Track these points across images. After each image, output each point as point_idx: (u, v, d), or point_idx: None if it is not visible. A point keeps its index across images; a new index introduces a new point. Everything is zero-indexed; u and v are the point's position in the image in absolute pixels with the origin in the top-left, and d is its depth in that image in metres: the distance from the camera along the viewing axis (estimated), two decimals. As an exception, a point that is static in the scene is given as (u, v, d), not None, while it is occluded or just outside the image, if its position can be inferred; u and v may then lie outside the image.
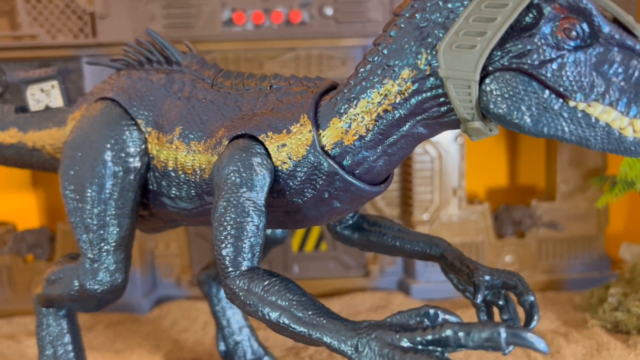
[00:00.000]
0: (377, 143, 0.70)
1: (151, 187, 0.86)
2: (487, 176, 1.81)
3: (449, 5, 0.62)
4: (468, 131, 0.65)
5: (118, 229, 0.85)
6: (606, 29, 0.57)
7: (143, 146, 0.85)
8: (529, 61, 0.58)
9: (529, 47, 0.58)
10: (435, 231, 1.61)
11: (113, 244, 0.85)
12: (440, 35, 0.62)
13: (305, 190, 0.74)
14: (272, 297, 0.63)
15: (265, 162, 0.72)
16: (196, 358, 1.27)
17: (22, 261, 1.56)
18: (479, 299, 0.80)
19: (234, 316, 1.11)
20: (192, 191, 0.82)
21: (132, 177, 0.85)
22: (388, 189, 1.63)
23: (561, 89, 0.58)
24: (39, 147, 1.02)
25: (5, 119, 1.05)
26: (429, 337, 0.55)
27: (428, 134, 0.70)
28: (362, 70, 0.69)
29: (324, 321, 0.60)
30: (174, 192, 0.84)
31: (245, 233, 0.68)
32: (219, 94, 0.82)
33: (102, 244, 0.85)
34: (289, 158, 0.73)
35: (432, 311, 0.58)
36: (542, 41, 0.58)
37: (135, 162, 0.85)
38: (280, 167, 0.73)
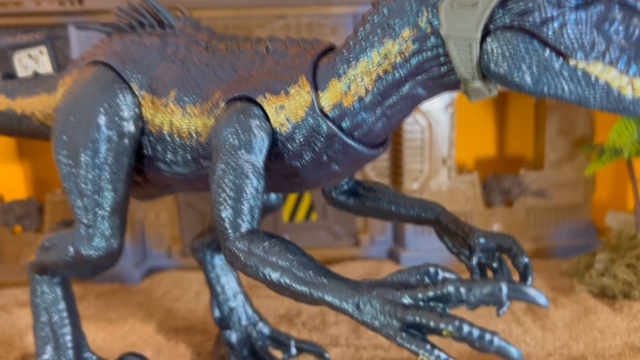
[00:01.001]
0: (376, 105, 0.70)
1: (146, 152, 0.86)
2: (476, 146, 1.82)
3: (451, -36, 0.61)
4: (468, 91, 0.65)
5: (113, 194, 0.84)
6: (608, -14, 0.57)
7: (137, 110, 0.84)
8: (530, 20, 0.58)
9: (530, 6, 0.58)
10: (425, 200, 1.62)
11: (108, 210, 0.84)
12: (442, -7, 0.62)
13: (304, 153, 0.74)
14: (273, 257, 0.64)
15: (263, 125, 0.72)
16: (189, 326, 1.28)
17: (10, 232, 1.55)
18: (474, 260, 0.81)
19: (229, 283, 1.11)
20: (188, 155, 0.82)
21: (126, 142, 0.84)
22: (378, 159, 1.64)
23: (562, 48, 0.58)
24: (28, 114, 1.00)
25: (-8, 86, 1.03)
26: (431, 294, 0.55)
27: (427, 95, 0.70)
28: (361, 30, 0.69)
29: (325, 280, 0.61)
30: (169, 156, 0.83)
31: (244, 195, 0.68)
32: (214, 57, 0.81)
33: (97, 210, 0.84)
34: (288, 120, 0.72)
35: (432, 269, 0.59)
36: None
37: (130, 126, 0.84)
38: (278, 130, 0.73)
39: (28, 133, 1.04)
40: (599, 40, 0.58)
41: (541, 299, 0.53)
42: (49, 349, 0.93)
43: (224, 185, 0.69)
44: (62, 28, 1.41)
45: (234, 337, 1.09)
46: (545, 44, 0.59)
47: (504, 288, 0.53)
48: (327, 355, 1.09)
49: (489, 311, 1.22)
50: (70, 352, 0.93)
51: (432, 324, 0.54)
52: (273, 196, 1.08)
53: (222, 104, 0.75)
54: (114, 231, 0.85)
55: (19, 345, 1.21)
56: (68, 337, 0.94)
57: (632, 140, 1.35)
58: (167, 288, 1.51)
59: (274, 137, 0.73)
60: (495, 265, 0.84)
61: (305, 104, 0.71)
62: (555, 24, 0.58)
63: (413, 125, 1.58)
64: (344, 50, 0.70)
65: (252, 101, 0.73)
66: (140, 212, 1.60)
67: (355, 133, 0.72)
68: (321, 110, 0.71)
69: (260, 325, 1.12)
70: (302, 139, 0.73)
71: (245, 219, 0.68)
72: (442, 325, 0.53)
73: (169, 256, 1.63)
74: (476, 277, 0.85)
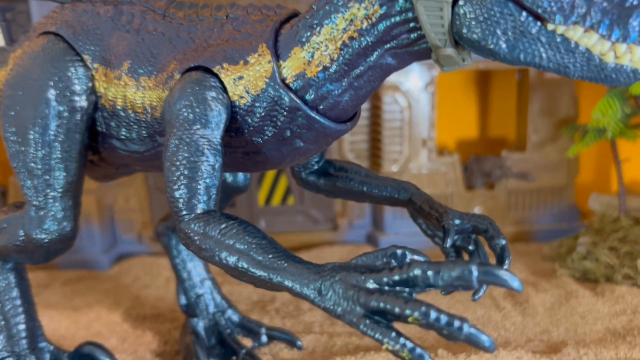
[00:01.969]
0: (342, 75, 0.65)
1: (100, 128, 0.80)
2: (457, 127, 1.78)
3: None
4: (440, 59, 0.60)
5: (65, 174, 0.78)
6: (589, -58, 0.53)
7: (90, 84, 0.78)
8: (505, -21, 0.53)
9: (505, -36, 0.53)
10: (405, 183, 1.58)
11: (60, 190, 0.79)
12: (410, -48, 0.57)
13: (265, 127, 0.69)
14: (230, 240, 0.59)
15: (220, 97, 0.66)
16: (157, 314, 1.23)
17: (-28, 217, 1.49)
18: (449, 243, 0.77)
19: (195, 268, 1.06)
20: (144, 132, 0.76)
21: (78, 118, 0.78)
22: (356, 140, 1.60)
23: (539, 10, 0.53)
24: (-21, 90, 0.94)
25: (-60, 60, 0.97)
26: (396, 277, 0.51)
27: (397, 65, 0.65)
28: (325, -7, 0.64)
29: (285, 264, 0.56)
30: (124, 133, 0.78)
31: (199, 173, 0.63)
32: (171, 25, 0.75)
33: (48, 190, 0.78)
34: (247, 92, 0.67)
35: (399, 251, 0.54)
36: (520, -43, 0.53)
37: (82, 101, 0.78)
38: (237, 102, 0.68)
39: (-19, 111, 0.98)
40: (579, 2, 0.53)
41: (514, 283, 0.49)
42: (1, 338, 0.88)
43: (177, 163, 0.64)
44: (23, 2, 1.34)
45: (200, 325, 1.04)
46: (521, 6, 0.54)
47: (475, 271, 0.49)
48: (299, 343, 1.04)
49: (467, 295, 1.18)
50: (23, 342, 0.88)
51: (397, 309, 0.49)
52: (240, 176, 1.02)
53: (177, 75, 0.70)
54: (67, 213, 0.79)
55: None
56: (22, 327, 0.89)
57: (615, 119, 1.31)
58: (136, 274, 1.45)
59: (233, 111, 0.68)
60: (471, 247, 0.80)
61: (265, 74, 0.66)
62: (533, -16, 0.53)
63: (392, 106, 1.53)
64: (307, 16, 0.65)
65: (209, 71, 0.68)
66: (110, 196, 1.54)
67: (321, 106, 0.67)
68: (283, 81, 0.66)
69: (230, 312, 1.07)
70: (262, 112, 0.68)
71: (201, 199, 0.63)
72: (407, 312, 0.49)
73: (140, 241, 1.57)
74: (451, 260, 0.81)
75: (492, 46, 0.56)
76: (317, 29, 0.64)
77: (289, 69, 0.66)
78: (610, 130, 1.33)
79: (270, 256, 0.57)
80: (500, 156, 1.62)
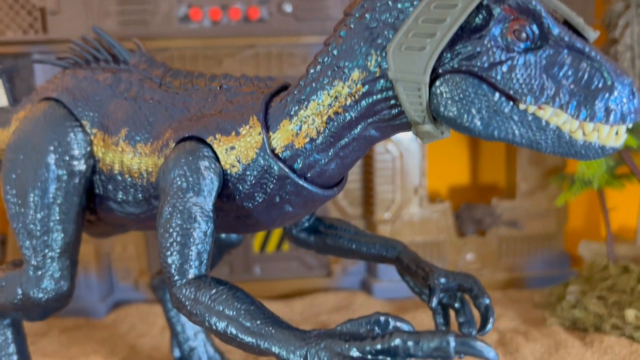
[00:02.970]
0: (328, 146, 0.68)
1: (97, 191, 0.83)
2: (449, 175, 1.81)
3: (399, 6, 0.61)
4: (419, 134, 0.63)
5: (63, 235, 0.81)
6: (556, 30, 0.57)
7: (88, 148, 0.82)
8: (478, 63, 0.57)
9: (478, 49, 0.57)
10: (397, 230, 1.61)
11: (58, 251, 0.81)
12: (390, 36, 0.61)
13: (256, 194, 0.72)
14: (220, 306, 0.61)
15: (213, 166, 0.70)
16: (152, 364, 1.24)
17: (-29, 265, 1.51)
18: (434, 302, 0.79)
19: (189, 322, 1.08)
20: (139, 195, 0.79)
21: (77, 181, 0.81)
22: (350, 188, 1.63)
23: (511, 92, 0.57)
24: (-18, 148, 0.97)
25: (-54, 119, 1.01)
26: (378, 347, 0.54)
27: (380, 137, 0.68)
28: (312, 71, 0.68)
29: (273, 331, 0.59)
30: (120, 196, 0.81)
31: (191, 240, 0.66)
32: (167, 94, 0.79)
33: (47, 251, 0.81)
34: (238, 161, 0.70)
35: (382, 318, 0.57)
36: (492, 43, 0.57)
37: (80, 165, 0.81)
38: (229, 171, 0.71)
39: (-17, 168, 1.01)
40: (548, 84, 0.57)
41: (490, 354, 0.52)
42: (-3, 394, 0.89)
43: (170, 230, 0.66)
44: (26, 58, 1.39)
45: (194, 377, 1.06)
46: (494, 87, 0.58)
47: (452, 342, 0.52)
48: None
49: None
50: (19, 397, 0.90)
51: (377, 379, 0.52)
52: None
53: (172, 144, 0.73)
54: (64, 273, 0.82)
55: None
56: (18, 382, 0.90)
57: (600, 171, 1.35)
58: (132, 323, 1.47)
59: (225, 178, 0.71)
60: (457, 305, 0.83)
61: (256, 145, 0.70)
62: (504, 68, 0.57)
63: (384, 155, 1.57)
64: (295, 91, 0.69)
65: (202, 141, 0.71)
66: (108, 244, 1.57)
67: (308, 174, 0.70)
68: (272, 151, 0.70)
69: (223, 364, 1.09)
70: (253, 180, 0.71)
71: (192, 265, 0.66)
72: (388, 381, 0.51)
73: (136, 289, 1.59)
74: (438, 317, 0.84)
75: (467, 124, 0.59)
76: (305, 103, 0.68)
77: (278, 140, 0.69)
78: (596, 182, 1.36)
79: (258, 322, 0.60)
80: (490, 204, 1.65)
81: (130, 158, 0.78)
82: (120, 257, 1.58)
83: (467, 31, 0.58)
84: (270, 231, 1.64)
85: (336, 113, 0.66)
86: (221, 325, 0.61)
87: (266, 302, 1.48)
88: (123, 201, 0.81)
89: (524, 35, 0.57)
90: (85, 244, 1.29)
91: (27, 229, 0.81)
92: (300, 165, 0.70)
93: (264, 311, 0.62)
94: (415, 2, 0.60)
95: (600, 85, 0.56)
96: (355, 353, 0.54)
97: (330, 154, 0.69)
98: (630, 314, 1.24)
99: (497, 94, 0.58)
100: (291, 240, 0.94)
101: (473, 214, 1.64)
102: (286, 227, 0.94)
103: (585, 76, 0.56)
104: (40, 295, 0.81)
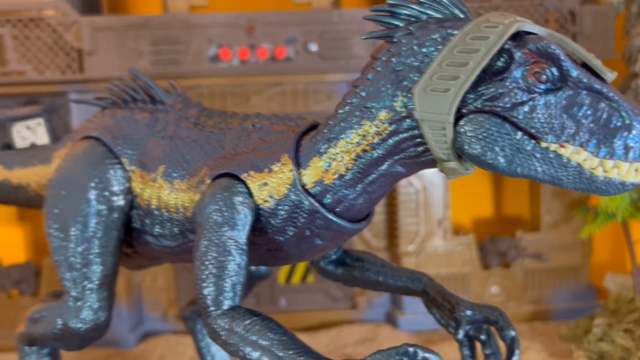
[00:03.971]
0: (356, 182, 0.71)
1: (135, 225, 0.87)
2: (472, 207, 1.83)
3: (424, 50, 0.64)
4: (444, 170, 0.66)
5: (102, 267, 0.85)
6: (574, 72, 0.59)
7: (127, 184, 0.86)
8: (501, 104, 0.60)
9: (500, 91, 0.60)
10: (422, 262, 1.62)
11: (97, 282, 0.85)
12: (415, 78, 0.64)
13: (287, 228, 0.75)
14: (254, 336, 0.64)
15: (246, 201, 0.73)
16: (182, 394, 1.26)
17: (6, 297, 1.55)
18: (461, 334, 0.81)
19: (218, 352, 1.11)
20: (175, 229, 0.83)
21: (115, 216, 0.85)
22: (374, 221, 1.65)
23: (533, 131, 0.60)
24: (24, 184, 1.02)
25: (-10, 156, 1.06)
26: (408, 377, 0.55)
27: (406, 173, 0.71)
28: (340, 111, 0.71)
29: (305, 360, 0.61)
30: (157, 230, 0.85)
31: (226, 272, 0.69)
32: (202, 133, 0.83)
33: (86, 282, 0.85)
34: (271, 196, 0.74)
35: (411, 349, 0.59)
36: (514, 84, 0.60)
37: (119, 201, 0.85)
38: (261, 206, 0.74)
39: (24, 202, 1.06)
40: (568, 124, 0.59)
41: (516, 383, 0.53)
42: (34, 421, 0.92)
43: (206, 262, 0.69)
44: (64, 96, 1.45)
45: (223, 408, 1.07)
46: (516, 126, 0.60)
47: (479, 373, 0.54)
48: None
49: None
50: None
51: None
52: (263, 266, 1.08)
53: (208, 180, 0.77)
54: (102, 304, 0.85)
55: (8, 415, 1.20)
56: (54, 410, 0.93)
57: (624, 204, 1.35)
58: (162, 353, 1.49)
59: (257, 213, 0.75)
60: (483, 337, 0.84)
61: (287, 181, 0.73)
62: (526, 108, 0.60)
63: (408, 188, 1.59)
64: (324, 130, 0.72)
65: (237, 178, 0.75)
66: (138, 275, 1.60)
67: (337, 209, 0.73)
68: (303, 187, 0.73)
69: (251, 395, 1.10)
70: (284, 215, 0.74)
71: (227, 296, 0.69)
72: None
73: (165, 320, 1.62)
74: (465, 349, 0.85)
75: (491, 161, 0.62)
76: (334, 142, 0.71)
77: (309, 176, 0.73)
78: (620, 214, 1.37)
79: (291, 352, 0.62)
80: (514, 236, 1.66)
81: (167, 194, 0.82)
82: (149, 289, 1.62)
83: (489, 73, 0.61)
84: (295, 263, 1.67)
85: (364, 151, 0.69)
86: (255, 354, 0.63)
87: (292, 333, 1.49)
88: (159, 235, 0.85)
89: (544, 77, 0.60)
90: (117, 276, 1.32)
91: (68, 261, 0.85)
92: (330, 200, 0.73)
93: (295, 342, 0.64)
94: (439, 47, 0.63)
95: (618, 124, 0.58)
96: (385, 382, 0.56)
97: (358, 189, 0.72)
98: (658, 347, 1.23)
99: (519, 133, 0.60)
100: (319, 272, 0.97)
101: (497, 246, 1.65)
102: (314, 260, 0.96)
103: (604, 115, 0.59)
104: (80, 325, 0.85)
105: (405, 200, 1.60)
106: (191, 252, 0.82)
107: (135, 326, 1.59)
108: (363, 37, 0.69)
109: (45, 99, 1.45)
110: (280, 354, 0.62)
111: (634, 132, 0.57)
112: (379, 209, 1.64)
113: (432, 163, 0.68)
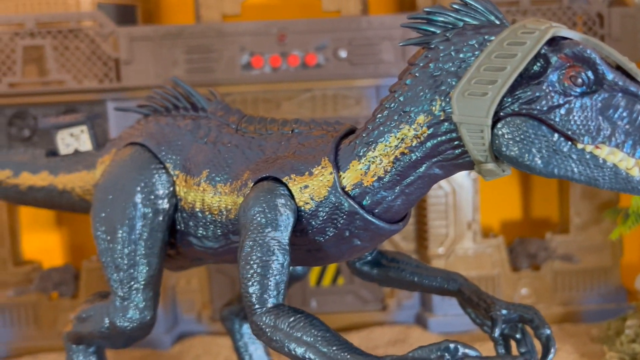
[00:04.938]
0: (395, 184, 0.74)
1: (179, 227, 0.90)
2: (501, 209, 1.84)
3: (461, 56, 0.66)
4: (482, 172, 0.68)
5: (147, 268, 0.88)
6: (610, 76, 0.61)
7: (171, 188, 0.90)
8: (537, 107, 0.62)
9: (537, 94, 0.62)
10: (451, 265, 1.64)
11: (143, 283, 0.88)
12: (453, 83, 0.66)
13: (327, 229, 0.78)
14: (298, 333, 0.67)
15: (288, 203, 0.76)
16: (218, 393, 1.29)
17: (47, 299, 1.60)
18: (497, 332, 0.82)
19: (256, 351, 1.13)
20: (218, 231, 0.86)
21: (161, 218, 0.89)
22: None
23: (569, 133, 0.62)
24: (69, 189, 1.06)
25: (36, 162, 1.11)
26: (449, 372, 0.58)
27: (443, 175, 0.73)
28: (379, 115, 0.74)
29: (348, 356, 0.64)
30: (200, 231, 0.88)
31: (270, 271, 0.72)
32: (243, 138, 0.86)
33: (132, 283, 0.88)
34: (311, 199, 0.76)
35: (452, 345, 0.61)
36: (550, 88, 0.62)
37: (164, 204, 0.89)
38: (303, 207, 0.77)
39: (68, 207, 1.10)
40: (604, 125, 0.61)
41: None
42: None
43: (251, 262, 0.72)
44: (102, 104, 1.50)
45: (261, 406, 1.10)
46: (553, 129, 0.63)
47: (519, 366, 0.55)
48: None
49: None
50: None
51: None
52: (299, 266, 1.11)
53: (251, 183, 0.80)
54: (148, 303, 0.89)
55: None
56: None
57: (655, 205, 1.35)
58: (197, 354, 1.53)
59: (299, 214, 0.77)
60: (518, 336, 0.86)
61: (327, 184, 0.76)
62: (562, 111, 0.62)
63: (437, 191, 1.61)
64: (363, 134, 0.75)
65: (278, 181, 0.78)
66: (172, 278, 1.64)
67: (376, 210, 0.76)
68: (343, 189, 0.75)
69: (288, 394, 1.13)
70: (324, 216, 0.77)
71: (271, 294, 0.71)
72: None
73: (199, 321, 1.66)
74: (500, 347, 0.87)
75: (528, 162, 0.64)
76: (373, 145, 0.73)
77: (348, 179, 0.75)
78: (651, 215, 1.37)
79: (334, 348, 0.65)
80: (544, 238, 1.67)
81: (211, 197, 0.85)
82: (184, 290, 1.65)
83: (526, 77, 0.63)
84: (325, 266, 1.69)
85: (402, 154, 0.71)
86: (300, 350, 0.66)
87: (324, 335, 1.51)
88: (203, 236, 0.88)
89: (579, 80, 0.62)
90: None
91: (115, 262, 0.89)
92: (369, 202, 0.75)
93: (338, 338, 0.67)
94: (476, 52, 0.65)
95: (654, 124, 0.60)
96: (427, 377, 0.58)
97: (396, 191, 0.74)
98: (692, 348, 1.23)
99: (556, 135, 0.62)
100: (354, 272, 0.99)
101: (527, 248, 1.65)
102: (349, 261, 0.99)
103: (639, 117, 0.61)
104: (126, 324, 0.88)
105: (435, 203, 1.62)
106: (232, 253, 0.86)
107: (170, 327, 1.63)
108: (400, 44, 0.72)
109: (83, 107, 1.50)
110: (324, 349, 0.65)
111: (669, 133, 0.59)
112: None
113: (469, 165, 0.70)
